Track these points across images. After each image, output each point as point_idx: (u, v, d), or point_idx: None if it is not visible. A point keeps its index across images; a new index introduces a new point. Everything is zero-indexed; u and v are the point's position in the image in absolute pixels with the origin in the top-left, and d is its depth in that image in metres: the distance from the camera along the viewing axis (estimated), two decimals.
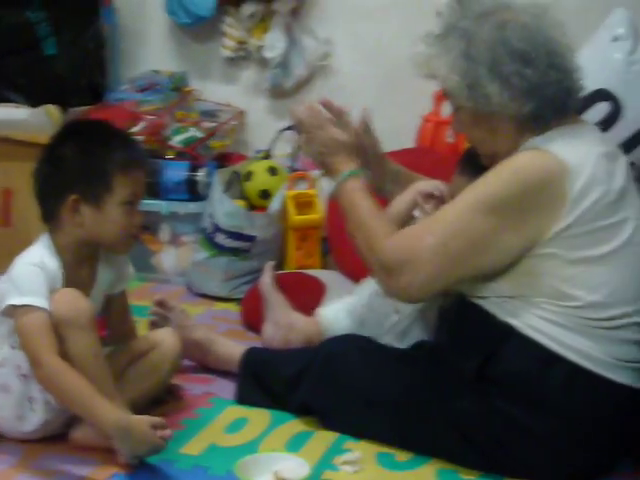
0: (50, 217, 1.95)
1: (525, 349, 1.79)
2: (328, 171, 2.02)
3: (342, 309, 2.33)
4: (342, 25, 3.60)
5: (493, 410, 1.82)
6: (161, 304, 2.37)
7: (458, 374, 1.87)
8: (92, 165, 1.89)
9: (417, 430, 1.92)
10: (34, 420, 1.92)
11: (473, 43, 1.81)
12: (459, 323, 1.91)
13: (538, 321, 1.79)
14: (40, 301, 1.82)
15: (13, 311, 1.84)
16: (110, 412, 1.78)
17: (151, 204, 3.15)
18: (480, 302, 1.86)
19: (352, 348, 2.07)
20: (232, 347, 2.34)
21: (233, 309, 3.04)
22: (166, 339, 2.14)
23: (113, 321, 2.16)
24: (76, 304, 1.85)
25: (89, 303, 1.90)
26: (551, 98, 1.81)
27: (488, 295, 1.84)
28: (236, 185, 3.25)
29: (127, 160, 1.91)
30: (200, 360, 2.39)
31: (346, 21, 3.60)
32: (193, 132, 3.45)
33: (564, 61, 1.83)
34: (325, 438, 2.05)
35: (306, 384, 2.07)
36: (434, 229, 1.81)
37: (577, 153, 1.78)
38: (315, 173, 3.34)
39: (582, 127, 1.90)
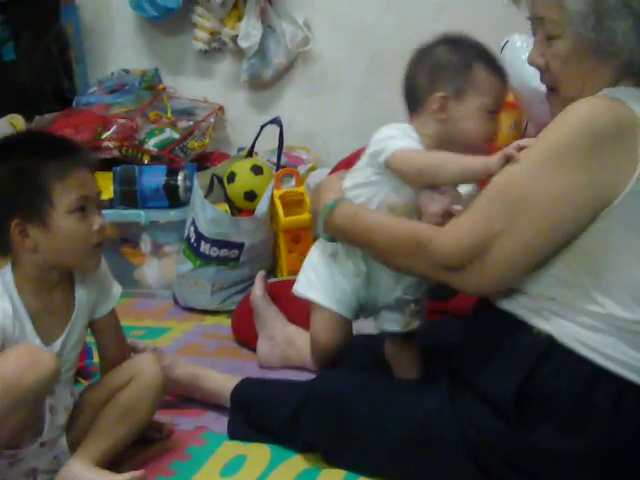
0: (5, 250, 1.75)
1: (566, 364, 1.56)
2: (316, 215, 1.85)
3: None
4: (321, 6, 3.42)
5: (524, 441, 1.59)
6: (131, 349, 2.11)
7: (482, 401, 1.64)
8: (26, 181, 1.70)
9: (434, 469, 1.69)
10: None
11: None
12: (485, 339, 1.67)
13: (579, 330, 1.55)
14: None
15: None
16: None
17: (129, 214, 3.04)
18: (512, 308, 1.63)
19: (350, 386, 1.83)
20: (219, 381, 2.10)
21: (224, 323, 2.81)
22: (145, 368, 1.88)
23: (104, 347, 1.93)
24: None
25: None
26: None
27: (529, 292, 1.61)
28: (218, 188, 3.01)
29: (61, 164, 1.71)
30: (186, 396, 2.15)
31: (325, 1, 3.42)
32: (169, 133, 3.27)
33: None
34: (334, 476, 1.81)
35: (306, 425, 1.84)
36: (498, 209, 1.57)
37: None
38: (300, 169, 3.15)
39: None
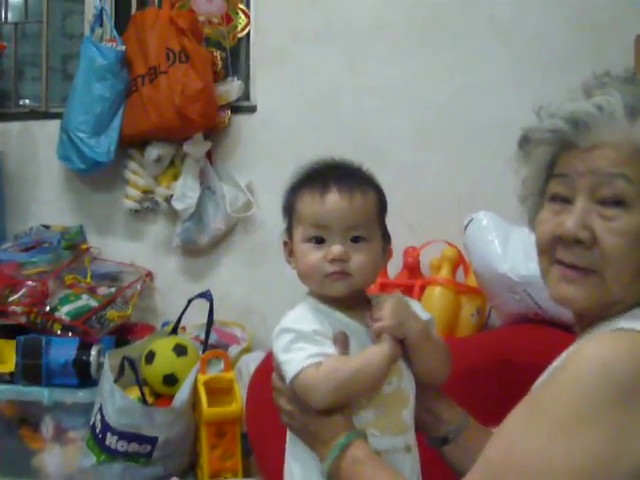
0: None
1: None
2: (315, 445, 1.47)
3: None
4: (265, 170, 3.29)
5: None
6: None
7: None
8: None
9: None
10: None
11: None
12: None
13: None
14: None
15: None
16: None
17: (30, 392, 2.78)
18: None
19: None
20: None
21: None
22: None
23: None
24: None
25: None
26: None
27: None
28: (130, 371, 2.66)
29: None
30: None
31: (270, 164, 3.29)
32: (86, 300, 3.04)
33: None
34: None
35: None
36: None
37: None
38: (232, 350, 2.82)
39: None
